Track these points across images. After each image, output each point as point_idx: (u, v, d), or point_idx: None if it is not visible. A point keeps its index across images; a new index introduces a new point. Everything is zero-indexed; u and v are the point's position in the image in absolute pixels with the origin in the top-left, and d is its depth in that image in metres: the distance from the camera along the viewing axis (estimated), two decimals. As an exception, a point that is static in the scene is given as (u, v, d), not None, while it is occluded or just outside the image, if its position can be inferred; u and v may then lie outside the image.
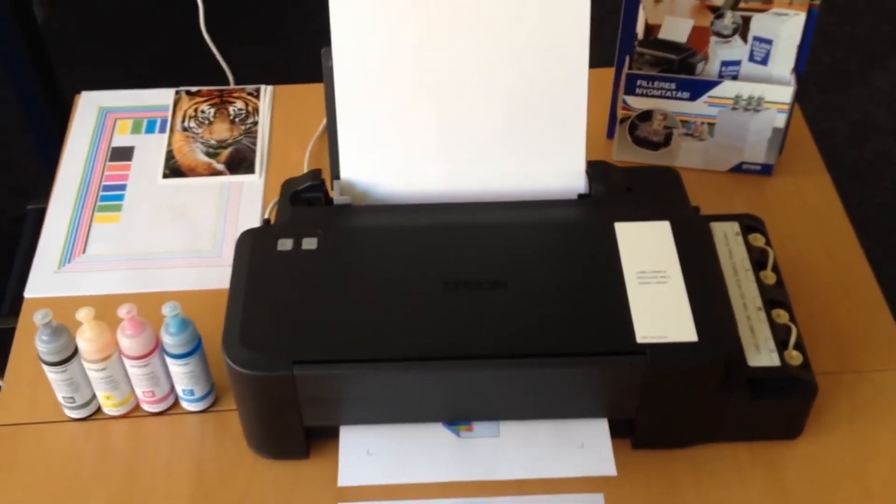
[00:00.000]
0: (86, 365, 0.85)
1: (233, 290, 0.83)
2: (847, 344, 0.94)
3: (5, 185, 1.84)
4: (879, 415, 0.89)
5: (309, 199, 0.91)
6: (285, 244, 0.85)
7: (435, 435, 0.83)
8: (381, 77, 0.88)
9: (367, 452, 0.82)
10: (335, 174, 0.91)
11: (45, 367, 0.85)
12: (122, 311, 0.82)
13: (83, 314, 0.82)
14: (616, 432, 0.84)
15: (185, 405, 0.89)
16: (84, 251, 1.02)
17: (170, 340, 0.83)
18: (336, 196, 0.90)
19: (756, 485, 0.85)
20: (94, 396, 0.88)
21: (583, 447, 0.82)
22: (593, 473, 0.81)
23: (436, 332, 0.79)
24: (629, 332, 0.79)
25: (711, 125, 1.05)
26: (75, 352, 0.84)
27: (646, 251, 0.85)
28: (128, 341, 0.83)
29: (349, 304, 0.81)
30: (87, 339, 0.83)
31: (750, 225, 0.95)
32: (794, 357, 0.85)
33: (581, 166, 0.90)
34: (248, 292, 0.82)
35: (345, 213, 0.89)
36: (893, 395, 0.90)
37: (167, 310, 0.82)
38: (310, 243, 0.85)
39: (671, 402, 0.82)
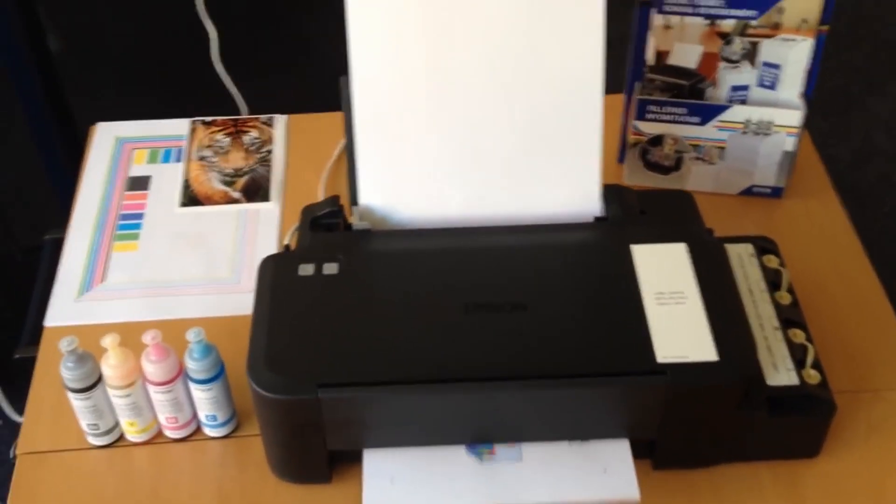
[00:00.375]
0: (110, 391, 0.85)
1: (256, 315, 0.84)
2: (861, 363, 0.95)
3: (17, 217, 1.85)
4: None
5: (328, 225, 0.92)
6: (307, 269, 0.86)
7: (457, 460, 0.83)
8: (398, 104, 0.89)
9: (390, 481, 0.82)
10: (354, 200, 0.92)
11: (70, 394, 0.85)
12: (148, 338, 0.83)
13: (109, 341, 0.82)
14: (637, 453, 0.84)
15: (208, 431, 0.90)
16: (104, 279, 1.03)
17: (194, 366, 0.84)
18: (356, 221, 0.91)
19: (778, 503, 0.85)
20: (117, 423, 0.89)
21: (606, 472, 0.82)
22: (617, 497, 0.82)
23: (458, 355, 0.80)
24: (649, 352, 0.80)
25: (722, 149, 1.07)
26: (100, 378, 0.85)
27: (663, 272, 0.86)
28: (152, 367, 0.84)
29: (372, 328, 0.82)
30: (111, 366, 0.84)
31: (764, 247, 0.96)
32: (812, 376, 0.86)
33: (596, 190, 0.92)
34: (272, 317, 0.83)
35: (365, 238, 0.90)
36: (909, 413, 0.91)
37: (191, 335, 0.83)
38: (331, 268, 0.86)
39: (692, 422, 0.82)
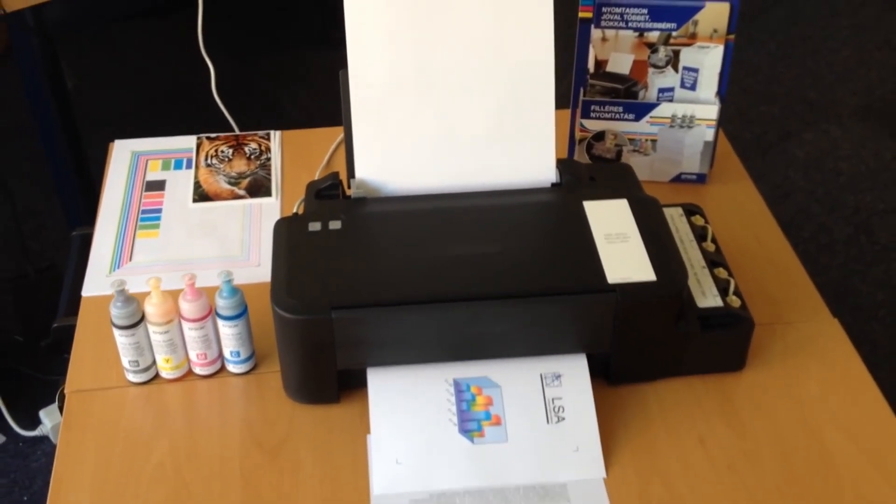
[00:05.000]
0: (151, 329, 1.01)
1: (275, 260, 1.00)
2: (776, 302, 1.14)
3: (30, 238, 2.01)
4: (808, 350, 1.08)
5: (329, 196, 1.09)
6: (315, 226, 1.03)
7: (452, 442, 0.96)
8: (388, 94, 1.08)
9: (396, 462, 0.96)
10: (351, 174, 1.10)
11: (116, 332, 1.00)
12: (185, 279, 0.99)
13: (152, 282, 0.98)
14: (595, 372, 1.01)
15: (231, 367, 1.05)
16: (131, 259, 1.19)
17: (223, 303, 1.00)
18: (353, 191, 1.09)
19: (713, 410, 1.02)
20: (153, 362, 1.04)
21: (577, 450, 0.97)
22: (587, 477, 0.95)
23: (446, 281, 0.97)
24: (602, 276, 0.98)
25: (654, 141, 1.27)
26: (142, 319, 1.01)
27: (610, 220, 1.04)
28: (188, 305, 1.00)
29: (373, 266, 0.99)
30: (154, 304, 0.99)
31: (691, 209, 1.16)
32: (734, 301, 1.04)
33: (552, 162, 1.11)
34: (290, 260, 0.99)
35: (362, 204, 1.08)
36: (817, 337, 1.10)
37: (221, 276, 0.99)
38: (335, 225, 1.04)
39: (639, 336, 1.00)
